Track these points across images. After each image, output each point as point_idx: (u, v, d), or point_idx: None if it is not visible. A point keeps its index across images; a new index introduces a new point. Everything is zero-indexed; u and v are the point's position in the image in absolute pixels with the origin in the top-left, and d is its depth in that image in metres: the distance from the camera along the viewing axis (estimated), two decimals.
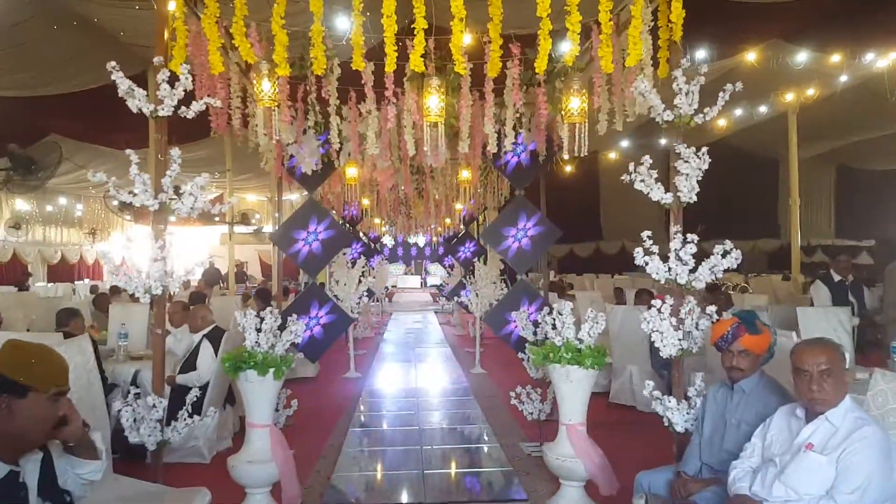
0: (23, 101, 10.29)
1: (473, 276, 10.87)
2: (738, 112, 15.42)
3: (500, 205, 9.88)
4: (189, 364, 4.93)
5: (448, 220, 13.40)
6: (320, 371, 8.28)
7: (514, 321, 5.97)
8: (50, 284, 16.67)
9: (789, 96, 14.18)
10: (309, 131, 5.35)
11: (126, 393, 3.75)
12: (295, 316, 4.53)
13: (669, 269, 3.29)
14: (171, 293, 3.69)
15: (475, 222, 12.72)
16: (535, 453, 4.98)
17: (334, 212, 9.93)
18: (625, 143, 18.01)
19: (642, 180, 3.31)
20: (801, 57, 11.59)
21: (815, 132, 17.28)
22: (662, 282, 3.29)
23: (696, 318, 3.32)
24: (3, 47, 8.45)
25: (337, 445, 5.28)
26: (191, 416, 3.40)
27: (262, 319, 3.91)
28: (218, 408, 5.01)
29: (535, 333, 5.13)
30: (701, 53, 9.78)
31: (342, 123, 5.05)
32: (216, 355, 4.92)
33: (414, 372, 8.71)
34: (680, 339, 3.26)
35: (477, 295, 8.83)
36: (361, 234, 16.14)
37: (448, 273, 16.65)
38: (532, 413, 5.05)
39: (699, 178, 3.28)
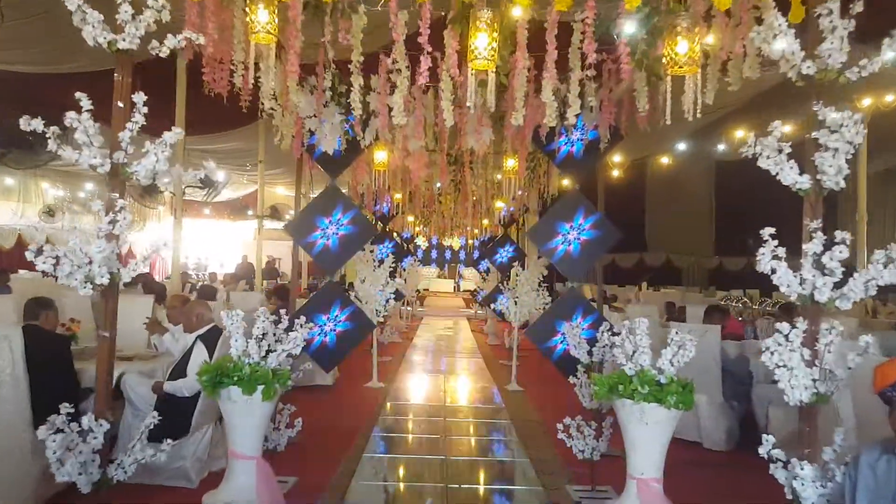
0: (40, 77, 9.80)
1: (510, 283, 10.01)
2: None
3: (544, 207, 8.99)
4: (179, 369, 4.18)
5: (486, 222, 12.50)
6: (339, 378, 7.49)
7: (562, 334, 5.08)
8: None
9: (866, 101, 12.85)
10: (331, 104, 4.56)
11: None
12: (303, 319, 3.76)
13: (803, 281, 2.34)
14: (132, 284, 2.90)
15: (515, 225, 11.79)
16: (587, 501, 4.07)
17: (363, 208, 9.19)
18: (680, 147, 16.80)
19: (768, 156, 2.39)
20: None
21: (880, 144, 15.92)
22: (793, 298, 2.35)
23: (832, 350, 2.38)
24: (23, 16, 7.94)
25: (347, 474, 4.46)
26: (171, 437, 2.60)
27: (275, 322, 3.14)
28: (210, 423, 4.26)
29: (590, 353, 4.22)
30: None
31: (370, 94, 4.24)
32: (211, 360, 4.16)
33: (442, 385, 7.85)
34: (815, 380, 2.32)
35: (516, 303, 7.94)
36: (394, 234, 15.43)
37: (483, 278, 15.76)
38: (583, 451, 4.13)
39: (849, 157, 2.33)
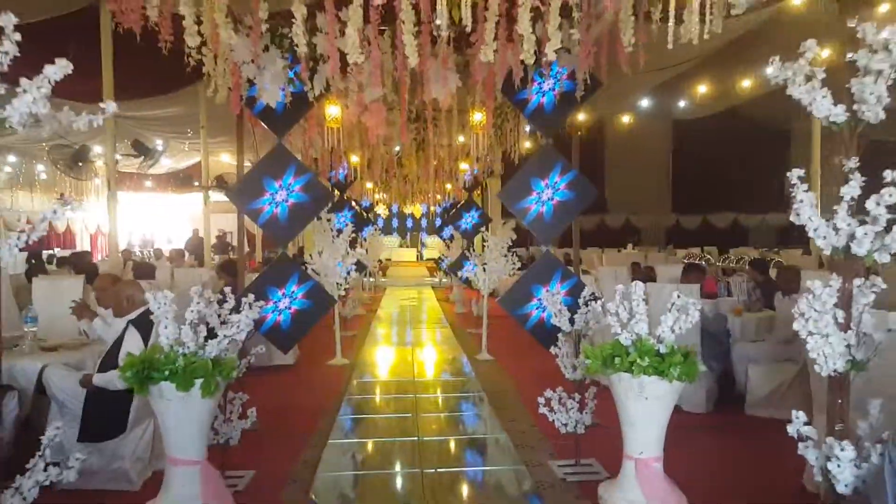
0: None
1: (476, 249, 9.65)
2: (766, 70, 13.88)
3: (508, 170, 8.56)
4: (111, 360, 3.65)
5: (449, 186, 12.03)
6: (300, 357, 7.03)
7: (538, 300, 4.73)
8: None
9: (825, 52, 12.73)
10: (272, 49, 3.99)
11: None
12: (252, 297, 3.28)
13: (837, 230, 1.99)
14: None
15: (480, 189, 11.37)
16: (573, 477, 3.77)
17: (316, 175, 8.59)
18: (640, 105, 16.53)
19: (799, 84, 2.00)
20: None
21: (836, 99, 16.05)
22: (828, 252, 2.00)
23: (862, 311, 2.05)
24: None
25: (311, 463, 4.05)
26: (59, 462, 2.11)
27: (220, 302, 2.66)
28: (151, 418, 3.77)
29: (571, 321, 3.87)
30: None
31: (316, 35, 3.70)
32: (147, 347, 3.64)
33: (410, 358, 7.47)
34: (849, 346, 1.99)
35: (484, 269, 7.57)
36: (353, 202, 14.82)
37: (447, 245, 15.36)
38: (566, 425, 3.82)
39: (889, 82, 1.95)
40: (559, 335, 3.87)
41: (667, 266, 7.79)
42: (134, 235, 21.91)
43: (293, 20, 3.04)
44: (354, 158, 8.14)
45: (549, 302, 3.87)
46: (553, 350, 3.81)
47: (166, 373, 2.31)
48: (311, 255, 7.05)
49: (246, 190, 4.68)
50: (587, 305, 3.71)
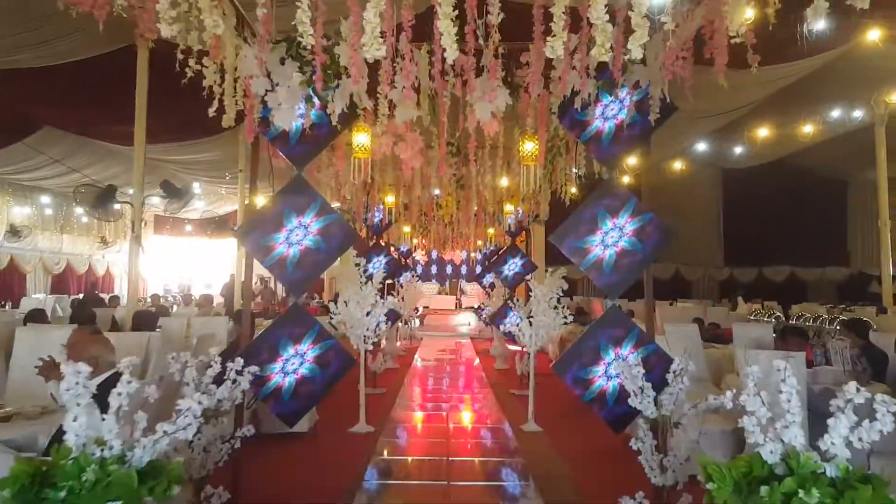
0: None
1: (518, 300, 8.75)
2: (831, 115, 12.79)
3: (560, 214, 7.73)
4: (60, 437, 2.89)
5: (491, 231, 11.24)
6: (318, 422, 6.18)
7: (605, 365, 3.82)
8: (41, 296, 15.08)
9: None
10: (288, 62, 3.32)
11: None
12: (238, 363, 2.50)
13: None
14: None
15: (525, 232, 10.54)
16: None
17: (350, 217, 7.95)
18: (690, 151, 15.52)
19: None
20: None
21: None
22: None
23: None
24: None
25: None
26: None
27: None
28: None
29: (655, 402, 2.95)
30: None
31: (337, 42, 3.01)
32: None
33: (445, 427, 6.52)
34: None
35: (530, 323, 6.65)
36: (390, 246, 14.19)
37: (487, 293, 14.47)
38: None
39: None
40: (639, 420, 2.94)
41: (742, 325, 6.72)
42: (172, 280, 21.79)
43: (298, 4, 2.34)
44: (390, 199, 7.46)
45: (626, 374, 2.95)
46: (633, 443, 2.87)
47: (62, 493, 1.51)
48: (335, 304, 6.29)
49: (259, 223, 3.99)
50: (679, 381, 2.79)
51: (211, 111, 3.22)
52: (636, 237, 3.90)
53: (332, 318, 6.38)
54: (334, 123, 3.45)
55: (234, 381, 2.92)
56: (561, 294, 6.47)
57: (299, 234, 3.99)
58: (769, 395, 2.09)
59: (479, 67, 3.15)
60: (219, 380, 2.85)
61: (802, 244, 21.89)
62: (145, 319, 5.15)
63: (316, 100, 3.68)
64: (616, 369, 3.78)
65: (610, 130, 3.95)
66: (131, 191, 12.66)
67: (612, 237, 3.91)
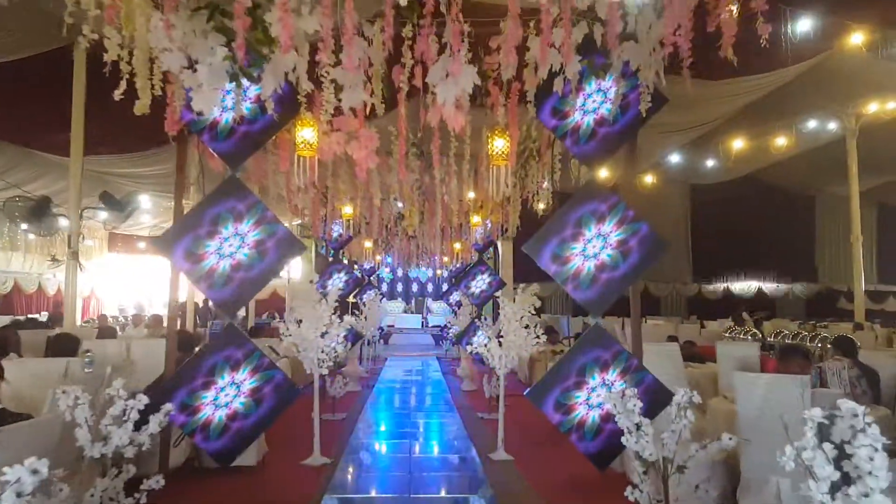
0: None
1: (486, 318, 8.28)
2: (804, 127, 12.78)
3: (531, 227, 7.30)
4: None
5: (458, 245, 10.77)
6: (266, 455, 5.55)
7: (587, 394, 3.35)
8: None
9: (872, 107, 11.61)
10: (211, 35, 2.80)
11: None
12: (139, 401, 1.95)
13: None
14: None
15: (492, 247, 10.09)
16: None
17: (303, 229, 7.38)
18: (674, 159, 15.32)
19: None
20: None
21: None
22: None
23: None
24: None
25: None
26: None
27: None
28: None
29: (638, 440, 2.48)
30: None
31: (268, 9, 2.51)
32: None
33: (408, 457, 5.96)
34: None
35: (500, 344, 6.16)
36: (353, 264, 13.61)
37: (454, 312, 13.96)
38: None
39: None
40: (634, 464, 2.46)
41: (727, 345, 6.38)
42: (128, 300, 20.66)
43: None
44: (347, 210, 6.92)
45: (620, 408, 2.48)
46: (629, 494, 2.38)
47: None
48: (287, 326, 5.70)
49: (191, 226, 3.44)
50: (683, 417, 2.33)
51: (117, 94, 2.67)
52: (619, 250, 3.48)
53: (283, 340, 5.78)
54: (269, 111, 2.93)
55: (140, 422, 2.34)
56: (533, 312, 6.00)
57: (234, 244, 3.45)
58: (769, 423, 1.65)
59: (442, 45, 2.68)
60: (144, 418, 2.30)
61: (770, 260, 22.11)
62: (64, 344, 4.49)
63: (251, 91, 3.17)
64: (602, 399, 3.32)
65: (588, 126, 3.53)
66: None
67: (594, 247, 3.48)
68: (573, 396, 3.37)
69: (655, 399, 3.30)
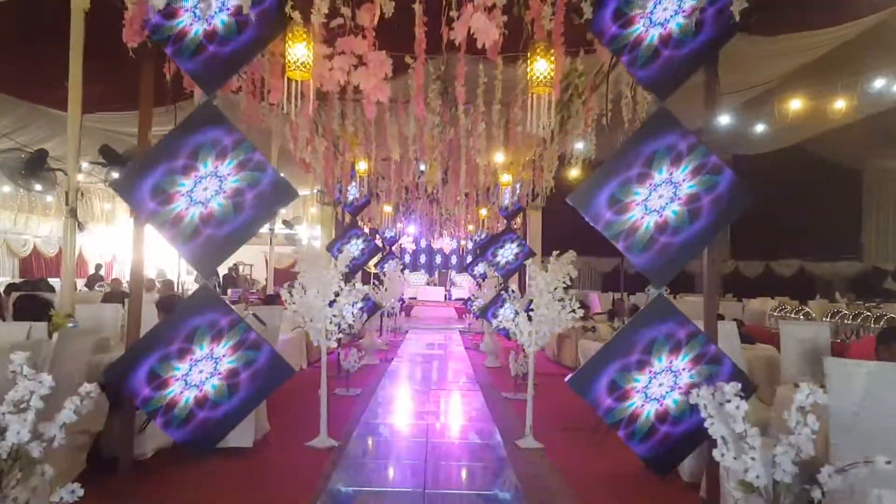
0: None
1: (513, 291, 7.59)
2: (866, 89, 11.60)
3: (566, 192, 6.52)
4: None
5: (484, 212, 10.03)
6: (268, 434, 5.00)
7: (646, 382, 2.65)
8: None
9: None
10: None
11: None
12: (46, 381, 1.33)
13: None
14: None
15: (521, 215, 9.33)
16: None
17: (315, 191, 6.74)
18: (717, 126, 14.14)
19: None
20: None
21: None
22: None
23: None
24: None
25: None
26: None
27: None
28: None
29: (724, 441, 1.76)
30: None
31: None
32: None
33: (424, 443, 5.33)
34: None
35: (530, 318, 5.46)
36: (375, 232, 12.98)
37: (478, 285, 13.29)
38: None
39: None
40: (729, 486, 1.76)
41: (792, 325, 5.59)
42: (151, 266, 20.43)
43: None
44: (362, 166, 6.21)
45: (713, 411, 1.78)
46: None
47: None
48: (289, 293, 5.08)
49: (162, 157, 2.81)
50: (804, 425, 1.61)
51: None
52: (688, 208, 2.73)
53: (287, 309, 5.17)
54: (245, 12, 2.22)
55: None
56: (569, 283, 5.28)
57: (209, 188, 2.81)
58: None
59: None
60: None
61: (813, 237, 20.87)
62: (30, 306, 3.93)
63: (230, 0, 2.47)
64: (664, 390, 2.60)
65: (651, 43, 2.75)
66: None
67: (660, 197, 2.74)
68: (632, 378, 2.68)
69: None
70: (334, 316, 5.14)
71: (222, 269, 17.62)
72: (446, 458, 4.95)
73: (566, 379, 2.78)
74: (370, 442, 5.28)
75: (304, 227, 19.26)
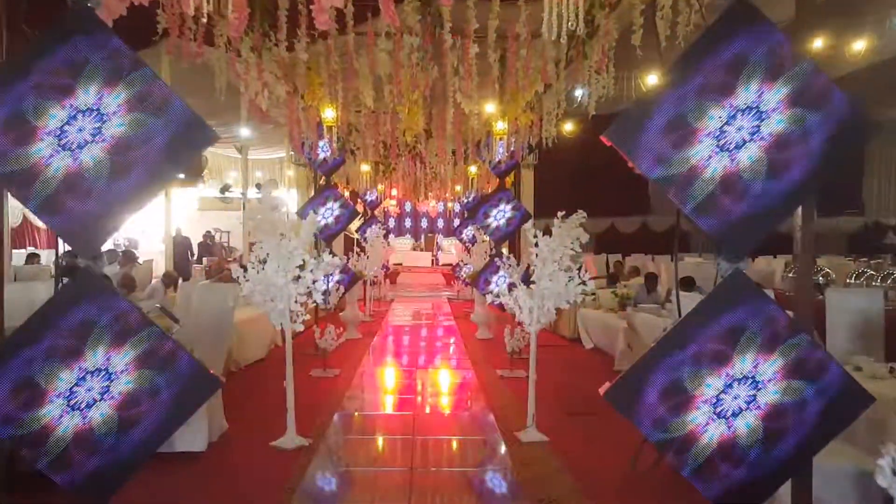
0: None
1: (509, 257, 6.79)
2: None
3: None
4: None
5: (474, 170, 9.13)
6: (226, 433, 4.24)
7: (720, 395, 1.86)
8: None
9: None
10: None
11: None
12: None
13: None
14: None
15: (517, 168, 8.44)
16: None
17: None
18: None
19: None
20: None
21: None
22: None
23: None
24: None
25: None
26: None
27: None
28: None
29: None
30: None
31: None
32: None
33: (412, 443, 4.56)
34: None
35: (530, 287, 4.65)
36: (356, 195, 12.08)
37: (467, 250, 12.48)
38: None
39: None
40: None
41: (839, 292, 4.84)
42: (121, 235, 19.29)
43: None
44: (328, 114, 5.26)
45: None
46: None
47: None
48: (243, 267, 4.23)
49: (13, 76, 1.93)
50: None
51: None
52: (769, 156, 1.89)
53: (241, 287, 4.31)
54: None
55: None
56: (578, 249, 4.47)
57: (86, 128, 1.91)
58: None
59: None
60: None
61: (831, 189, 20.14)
62: None
63: None
64: (739, 406, 1.82)
65: None
66: None
67: (739, 128, 1.89)
68: (703, 380, 1.90)
69: (843, 406, 1.83)
70: (300, 294, 4.30)
71: (196, 237, 16.60)
72: (436, 458, 4.20)
73: (603, 393, 2.00)
74: (346, 441, 4.52)
75: (283, 190, 18.20)
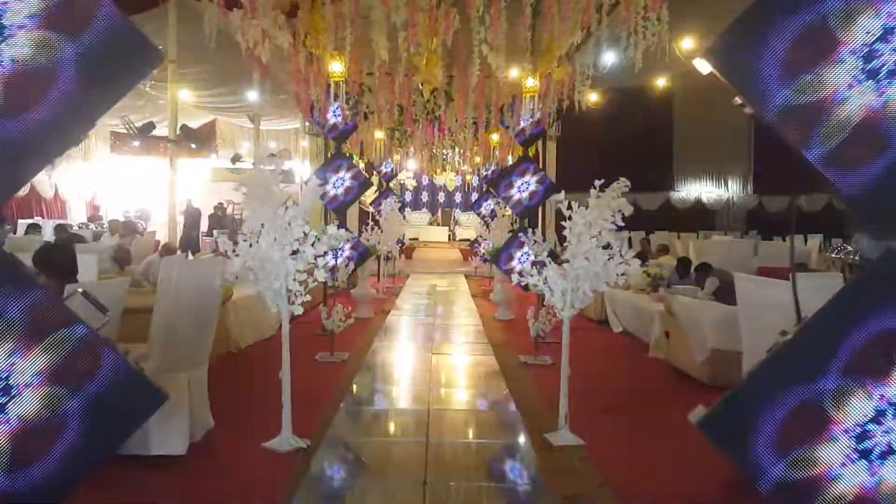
0: None
1: (535, 230, 6.17)
2: None
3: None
4: None
5: (495, 138, 8.44)
6: (211, 433, 3.72)
7: (856, 430, 1.23)
8: None
9: None
10: None
11: None
12: None
13: None
14: None
15: (543, 137, 7.74)
16: None
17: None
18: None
19: None
20: None
21: None
22: None
23: None
24: None
25: None
26: None
27: None
28: None
29: None
30: None
31: None
32: None
33: (425, 447, 3.99)
34: None
35: (562, 266, 4.03)
36: (371, 166, 11.48)
37: (486, 224, 11.83)
38: None
39: None
40: None
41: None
42: (133, 206, 18.93)
43: None
44: (336, 68, 4.62)
45: None
46: None
47: None
48: (232, 242, 3.66)
49: None
50: None
51: None
52: None
53: (230, 263, 3.74)
54: None
55: None
56: (621, 224, 3.84)
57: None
58: None
59: None
60: None
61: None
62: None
63: None
64: (890, 442, 1.19)
65: None
66: None
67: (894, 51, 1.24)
68: (846, 403, 1.30)
69: None
70: (299, 272, 3.73)
71: (206, 209, 16.10)
72: (454, 472, 3.62)
73: (694, 421, 1.42)
74: (349, 443, 3.97)
75: (297, 161, 17.60)
